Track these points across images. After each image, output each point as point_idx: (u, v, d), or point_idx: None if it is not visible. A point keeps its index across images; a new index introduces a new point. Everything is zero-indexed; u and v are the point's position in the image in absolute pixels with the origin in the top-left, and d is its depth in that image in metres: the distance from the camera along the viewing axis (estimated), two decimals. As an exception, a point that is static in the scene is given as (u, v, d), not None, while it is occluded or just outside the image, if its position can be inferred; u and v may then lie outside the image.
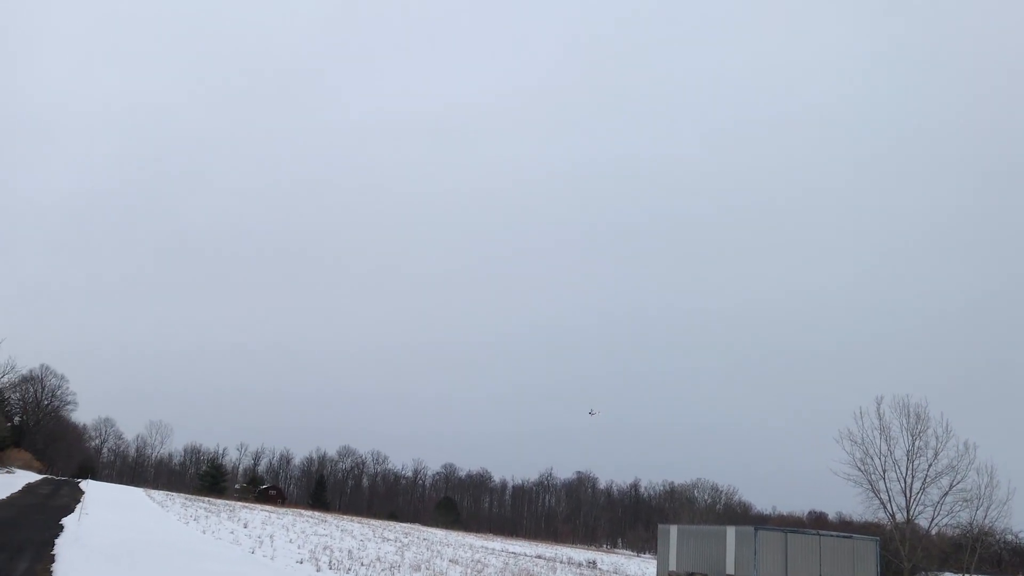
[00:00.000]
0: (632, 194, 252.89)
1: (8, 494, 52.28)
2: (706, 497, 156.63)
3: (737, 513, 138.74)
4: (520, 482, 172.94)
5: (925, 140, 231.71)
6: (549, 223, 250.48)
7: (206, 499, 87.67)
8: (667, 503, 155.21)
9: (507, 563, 45.23)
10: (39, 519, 33.32)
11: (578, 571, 50.60)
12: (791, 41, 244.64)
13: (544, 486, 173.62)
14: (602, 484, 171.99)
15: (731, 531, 63.94)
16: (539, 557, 62.96)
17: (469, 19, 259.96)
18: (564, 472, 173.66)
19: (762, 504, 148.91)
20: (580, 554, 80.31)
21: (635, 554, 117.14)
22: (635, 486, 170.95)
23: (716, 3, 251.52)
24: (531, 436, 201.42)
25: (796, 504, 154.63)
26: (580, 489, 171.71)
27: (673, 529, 70.62)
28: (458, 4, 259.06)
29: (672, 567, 61.11)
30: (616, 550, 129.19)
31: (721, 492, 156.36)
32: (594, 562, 65.15)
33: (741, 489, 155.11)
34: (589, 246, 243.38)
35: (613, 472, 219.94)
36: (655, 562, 70.44)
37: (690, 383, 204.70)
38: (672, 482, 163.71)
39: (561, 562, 59.65)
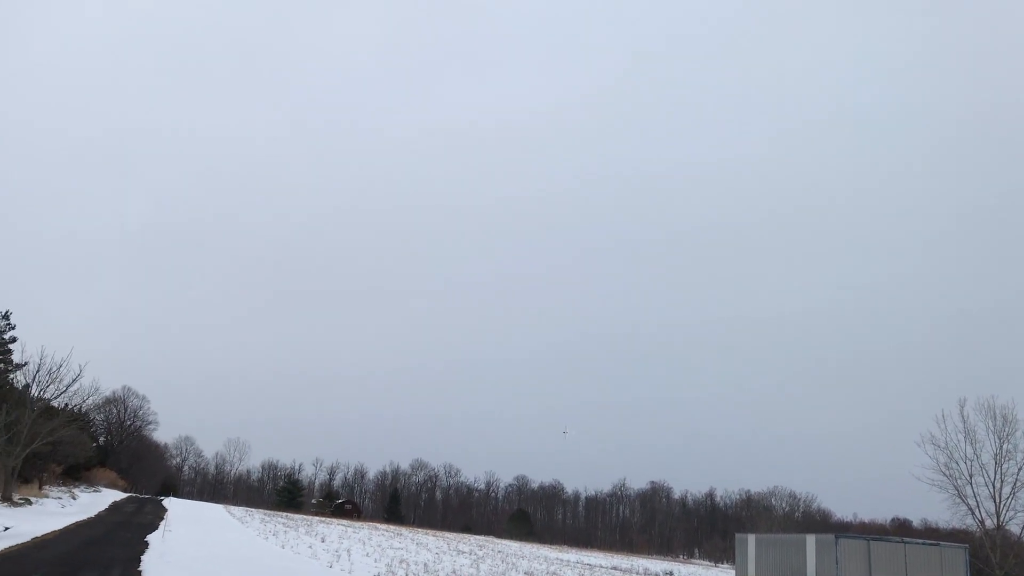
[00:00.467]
0: (685, 201, 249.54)
1: (96, 512, 53.98)
2: (784, 505, 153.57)
3: (816, 521, 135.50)
4: (593, 493, 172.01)
5: (991, 131, 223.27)
6: (607, 230, 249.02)
7: (284, 514, 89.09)
8: (744, 512, 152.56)
9: (582, 574, 44.92)
10: (125, 536, 34.28)
11: (655, 582, 49.92)
12: (840, 41, 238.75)
13: (618, 497, 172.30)
14: (677, 494, 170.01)
15: (811, 539, 62.42)
16: (615, 568, 62.43)
17: (509, 30, 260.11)
18: (638, 482, 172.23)
19: (842, 511, 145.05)
20: (656, 565, 79.40)
21: (712, 564, 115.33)
22: (711, 495, 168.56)
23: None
24: (603, 446, 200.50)
25: (878, 511, 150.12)
26: (654, 499, 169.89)
27: (751, 538, 69.28)
28: (505, 17, 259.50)
29: (751, 577, 60.00)
30: (693, 560, 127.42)
31: (799, 500, 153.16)
32: (671, 573, 64.33)
33: (820, 496, 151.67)
34: (646, 252, 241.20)
35: (688, 482, 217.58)
36: (733, 572, 69.27)
37: (763, 389, 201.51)
38: (748, 490, 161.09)
39: (637, 573, 59.07)
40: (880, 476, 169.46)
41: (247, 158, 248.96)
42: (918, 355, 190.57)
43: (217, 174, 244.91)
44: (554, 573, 42.54)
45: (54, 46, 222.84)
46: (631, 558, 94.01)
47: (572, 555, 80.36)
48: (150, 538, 33.74)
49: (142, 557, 24.72)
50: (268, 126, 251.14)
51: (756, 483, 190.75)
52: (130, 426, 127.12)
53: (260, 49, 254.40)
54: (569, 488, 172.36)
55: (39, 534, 31.31)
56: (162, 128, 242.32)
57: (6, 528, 35.46)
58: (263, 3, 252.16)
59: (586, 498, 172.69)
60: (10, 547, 24.06)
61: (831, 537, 63.11)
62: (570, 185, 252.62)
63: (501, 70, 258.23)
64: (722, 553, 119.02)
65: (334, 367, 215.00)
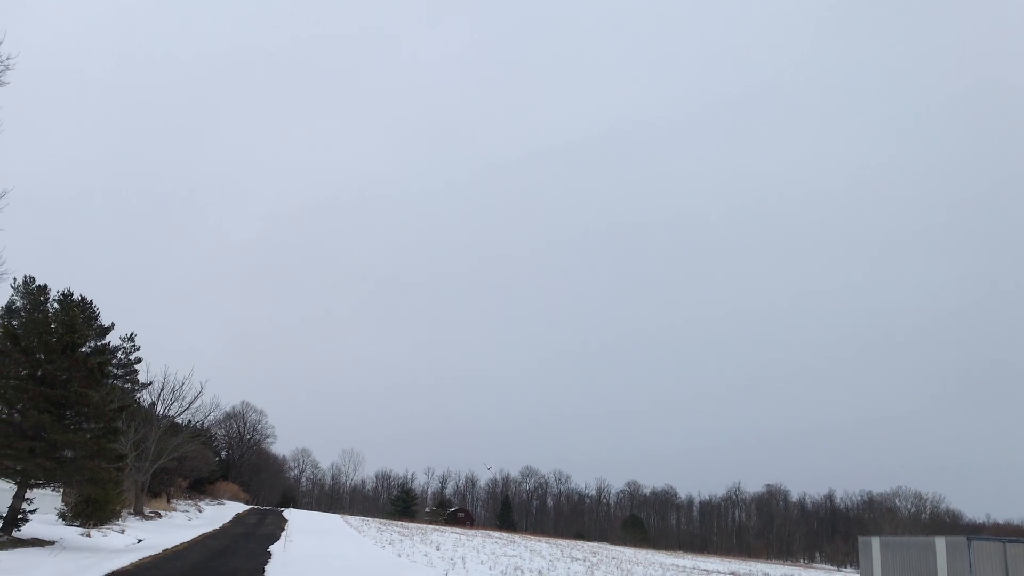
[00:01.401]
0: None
1: (220, 524, 55.96)
2: (909, 506, 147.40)
3: (945, 523, 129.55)
4: (707, 497, 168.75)
5: None
6: (717, 229, 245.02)
7: (399, 523, 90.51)
8: (866, 514, 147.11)
9: (700, 581, 44.02)
10: (249, 547, 35.36)
11: (776, 588, 48.49)
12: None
13: (732, 501, 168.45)
14: (794, 496, 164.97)
15: (940, 542, 59.45)
16: (733, 574, 61.01)
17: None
18: (753, 485, 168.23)
19: (974, 512, 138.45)
20: (776, 569, 77.24)
21: (835, 568, 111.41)
22: (830, 497, 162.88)
23: None
24: (715, 450, 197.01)
25: (1015, 511, 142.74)
26: (771, 502, 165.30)
27: (875, 541, 66.55)
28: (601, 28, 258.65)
29: (877, 582, 57.67)
30: (814, 565, 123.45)
31: (925, 500, 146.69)
32: (792, 578, 62.36)
33: (948, 496, 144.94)
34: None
35: (806, 483, 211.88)
36: (858, 576, 66.72)
37: (883, 385, 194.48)
38: (870, 491, 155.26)
39: (756, 578, 57.55)
40: (1016, 474, 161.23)
41: (355, 174, 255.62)
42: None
43: (325, 192, 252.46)
44: (670, 579, 41.83)
45: (160, 78, 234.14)
46: (749, 563, 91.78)
47: (688, 560, 79.01)
48: (272, 548, 34.72)
49: (266, 567, 25.42)
50: (373, 142, 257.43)
51: (878, 484, 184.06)
52: (249, 440, 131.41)
53: (359, 66, 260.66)
54: (682, 493, 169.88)
55: (169, 546, 32.61)
56: (271, 149, 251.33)
57: (139, 540, 37.10)
58: (356, 22, 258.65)
59: (700, 502, 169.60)
60: (143, 559, 25.09)
61: (963, 539, 59.86)
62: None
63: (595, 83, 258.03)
64: (844, 556, 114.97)
65: (441, 379, 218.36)
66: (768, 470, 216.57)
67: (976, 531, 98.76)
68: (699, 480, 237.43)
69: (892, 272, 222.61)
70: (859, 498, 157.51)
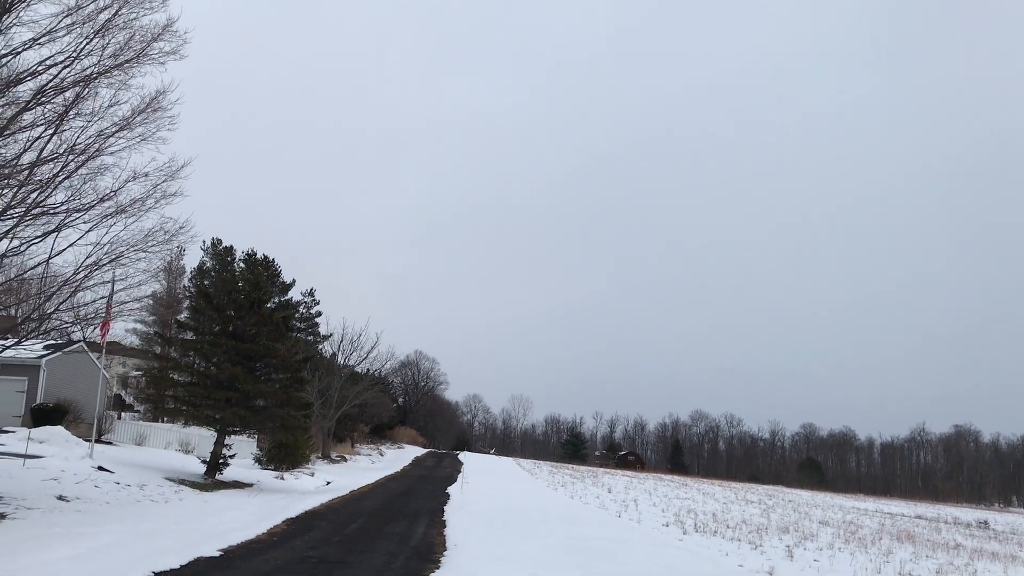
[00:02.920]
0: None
1: (401, 467, 58.65)
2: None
3: None
4: (889, 439, 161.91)
5: None
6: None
7: (569, 466, 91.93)
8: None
9: (883, 524, 42.41)
10: (428, 489, 36.88)
11: (967, 532, 46.12)
12: None
13: (916, 442, 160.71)
14: (986, 437, 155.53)
15: None
16: (919, 517, 58.38)
17: None
18: (939, 426, 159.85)
19: None
20: (967, 513, 73.23)
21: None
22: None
23: None
24: (896, 390, 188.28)
25: None
26: (960, 443, 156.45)
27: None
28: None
29: (1084, 528, 53.85)
30: (1011, 509, 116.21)
31: None
32: (986, 522, 58.93)
33: None
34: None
35: (999, 423, 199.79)
36: (1061, 522, 62.35)
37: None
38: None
39: (945, 522, 54.80)
40: None
41: (506, 130, 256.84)
42: None
43: (480, 148, 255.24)
44: (851, 522, 40.48)
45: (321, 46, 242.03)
46: (937, 506, 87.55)
47: (869, 503, 76.32)
48: (450, 490, 36.07)
49: (445, 507, 26.45)
50: (524, 98, 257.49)
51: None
52: (424, 387, 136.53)
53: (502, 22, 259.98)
54: (862, 434, 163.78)
55: (355, 488, 34.49)
56: (427, 108, 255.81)
57: (327, 482, 39.43)
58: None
59: (881, 444, 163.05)
60: (333, 499, 26.65)
61: None
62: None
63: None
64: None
65: (607, 325, 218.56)
66: (955, 410, 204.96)
67: None
68: (879, 422, 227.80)
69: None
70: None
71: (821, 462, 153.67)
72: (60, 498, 18.17)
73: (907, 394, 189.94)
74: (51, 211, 15.54)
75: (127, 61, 15.85)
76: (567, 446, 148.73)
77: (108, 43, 15.54)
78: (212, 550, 13.33)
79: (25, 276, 16.95)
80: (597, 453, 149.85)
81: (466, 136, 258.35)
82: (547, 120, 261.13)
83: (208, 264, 59.61)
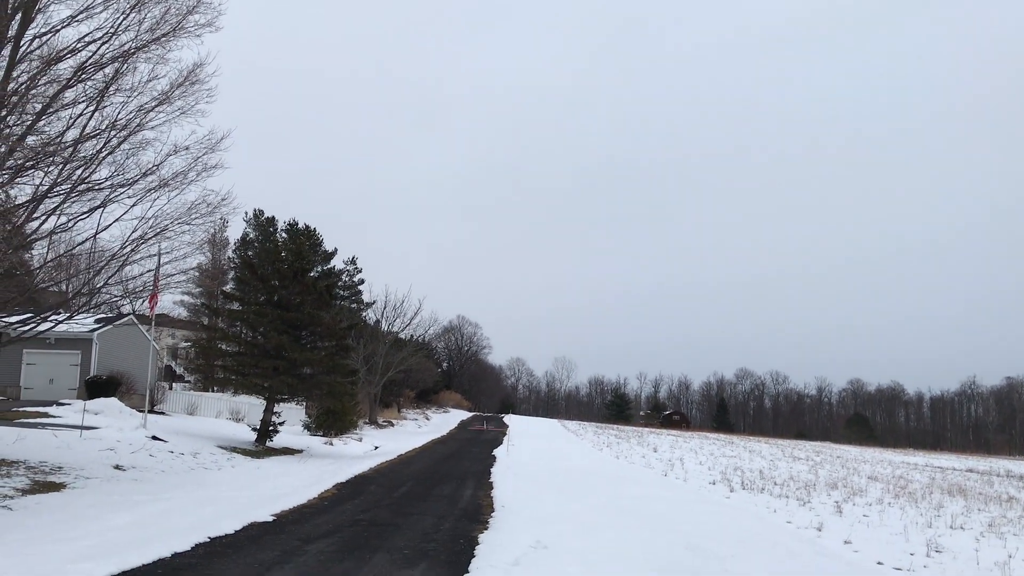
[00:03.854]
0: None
1: (447, 431, 59.31)
2: None
3: None
4: (939, 392, 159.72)
5: None
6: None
7: (614, 427, 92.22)
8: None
9: (933, 478, 41.98)
10: (475, 451, 37.26)
11: (1020, 484, 45.47)
12: None
13: (967, 395, 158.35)
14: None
15: None
16: (970, 471, 57.66)
17: None
18: (990, 379, 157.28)
19: None
20: (1020, 466, 72.18)
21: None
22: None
23: None
24: (946, 344, 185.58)
25: None
26: (1012, 396, 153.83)
27: None
28: None
29: None
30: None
31: None
32: (1038, 474, 58.05)
33: None
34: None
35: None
36: (1117, 473, 61.34)
37: None
38: None
39: (998, 475, 54.04)
40: None
41: (545, 98, 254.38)
42: None
43: (522, 114, 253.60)
44: (901, 476, 40.13)
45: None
46: (988, 459, 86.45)
47: (919, 458, 75.53)
48: (496, 452, 36.42)
49: (491, 469, 26.70)
50: (564, 66, 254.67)
51: None
52: (467, 351, 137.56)
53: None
54: (910, 389, 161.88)
55: (403, 452, 34.96)
56: (466, 74, 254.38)
57: (375, 447, 40.03)
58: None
59: (931, 398, 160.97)
60: (381, 464, 27.04)
61: None
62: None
63: None
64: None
65: (645, 286, 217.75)
66: (1007, 362, 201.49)
67: None
68: (929, 375, 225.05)
69: None
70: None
71: (869, 417, 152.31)
72: (117, 467, 18.67)
73: (957, 347, 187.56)
74: (96, 187, 15.78)
75: (164, 35, 15.97)
76: (611, 407, 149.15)
77: (144, 17, 15.66)
78: (265, 515, 13.62)
79: (74, 252, 17.31)
80: (642, 413, 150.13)
81: (515, 104, 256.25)
82: (598, 94, 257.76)
83: (251, 235, 60.33)
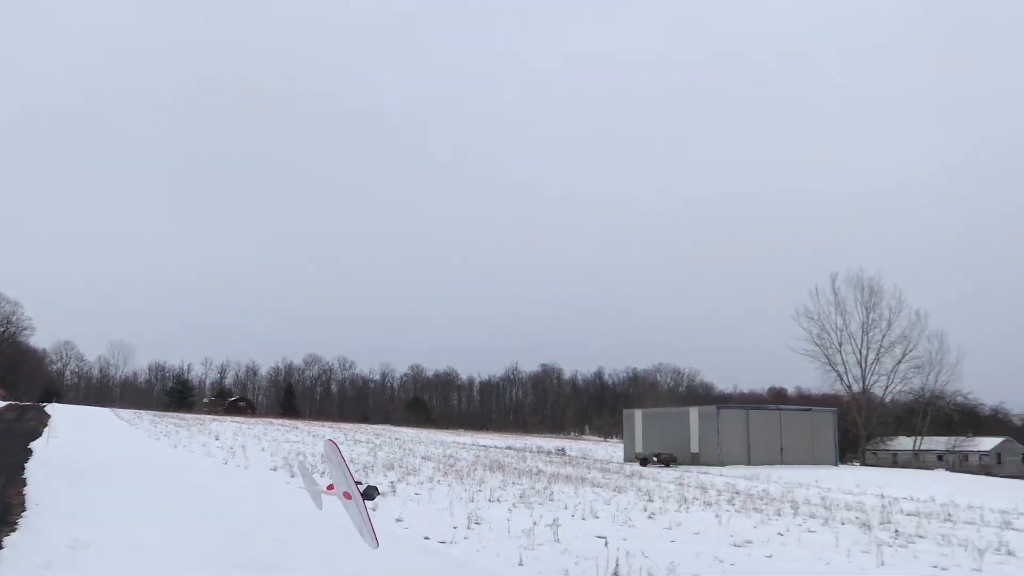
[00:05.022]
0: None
1: (-29, 423, 51.91)
2: (668, 381, 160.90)
3: (700, 394, 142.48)
4: (487, 378, 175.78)
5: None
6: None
7: (175, 415, 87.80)
8: (631, 389, 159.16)
9: (478, 456, 46.17)
10: (7, 444, 33.09)
11: (548, 458, 51.92)
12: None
13: (510, 380, 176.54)
14: (567, 375, 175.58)
15: (694, 412, 65.96)
16: (509, 448, 64.45)
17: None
18: (529, 365, 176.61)
19: (724, 384, 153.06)
20: (549, 443, 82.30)
21: (602, 439, 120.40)
22: (599, 374, 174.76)
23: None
24: (495, 332, 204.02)
25: (757, 382, 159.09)
26: (546, 381, 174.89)
27: (638, 413, 72.48)
28: None
29: (639, 449, 63.14)
30: (584, 437, 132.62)
31: (683, 375, 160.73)
32: (563, 449, 66.82)
33: (703, 371, 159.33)
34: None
35: (577, 362, 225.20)
36: (622, 446, 72.64)
37: (647, 270, 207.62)
38: (635, 368, 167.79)
39: (531, 451, 61.09)
40: (759, 349, 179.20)
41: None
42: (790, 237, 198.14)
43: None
44: (450, 455, 43.55)
45: None
46: (524, 438, 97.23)
47: (467, 438, 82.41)
48: (33, 445, 32.67)
49: (26, 464, 23.93)
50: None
51: (642, 361, 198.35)
52: (3, 333, 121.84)
53: None
54: (464, 374, 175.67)
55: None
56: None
57: None
58: None
59: (480, 383, 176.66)
60: None
61: (713, 408, 66.81)
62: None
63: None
64: (611, 428, 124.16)
65: (218, 269, 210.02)
66: (542, 350, 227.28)
67: (726, 401, 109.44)
68: (480, 362, 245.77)
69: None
70: (625, 375, 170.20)
71: (427, 401, 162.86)
72: None
73: (502, 337, 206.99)
74: None
75: None
76: (173, 394, 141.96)
77: None
78: None
79: None
80: (206, 400, 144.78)
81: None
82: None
83: None
